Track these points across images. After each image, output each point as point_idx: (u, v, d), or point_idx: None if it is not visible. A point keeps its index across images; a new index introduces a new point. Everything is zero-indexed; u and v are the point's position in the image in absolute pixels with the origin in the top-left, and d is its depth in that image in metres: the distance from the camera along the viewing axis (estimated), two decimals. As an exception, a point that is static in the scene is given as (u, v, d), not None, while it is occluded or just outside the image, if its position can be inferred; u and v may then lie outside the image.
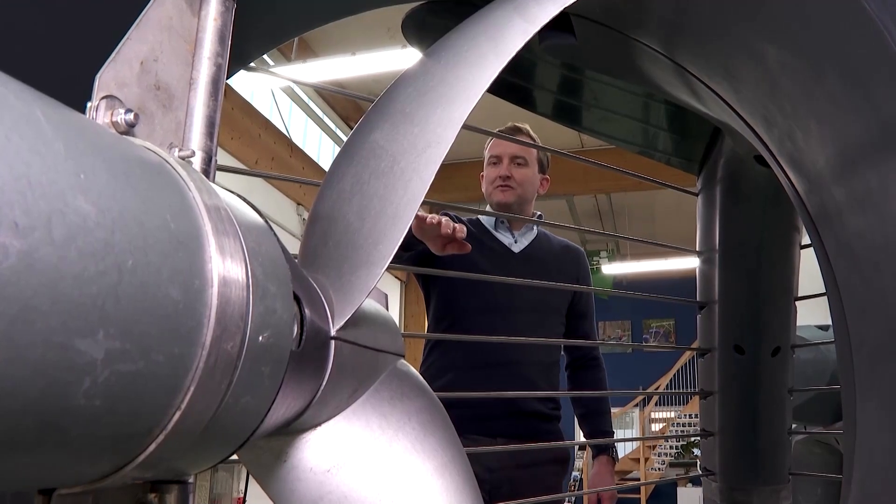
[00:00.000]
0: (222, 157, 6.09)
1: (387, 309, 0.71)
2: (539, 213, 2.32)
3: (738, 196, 1.41)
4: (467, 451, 0.57)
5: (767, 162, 0.93)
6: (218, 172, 0.58)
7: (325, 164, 7.94)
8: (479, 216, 2.29)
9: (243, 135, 6.61)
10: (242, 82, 6.69)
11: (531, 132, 2.21)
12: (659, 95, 1.31)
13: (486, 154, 2.26)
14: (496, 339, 1.91)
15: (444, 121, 0.50)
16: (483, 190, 2.28)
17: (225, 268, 0.34)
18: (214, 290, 0.33)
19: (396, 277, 9.34)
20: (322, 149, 8.68)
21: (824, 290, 0.86)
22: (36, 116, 0.27)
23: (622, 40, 0.93)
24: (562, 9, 0.53)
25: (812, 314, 1.85)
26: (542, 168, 2.28)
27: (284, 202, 7.36)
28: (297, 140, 7.99)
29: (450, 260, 2.01)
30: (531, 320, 2.09)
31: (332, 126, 8.88)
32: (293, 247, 0.56)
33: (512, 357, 2.05)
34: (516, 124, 2.21)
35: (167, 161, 0.35)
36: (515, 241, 2.22)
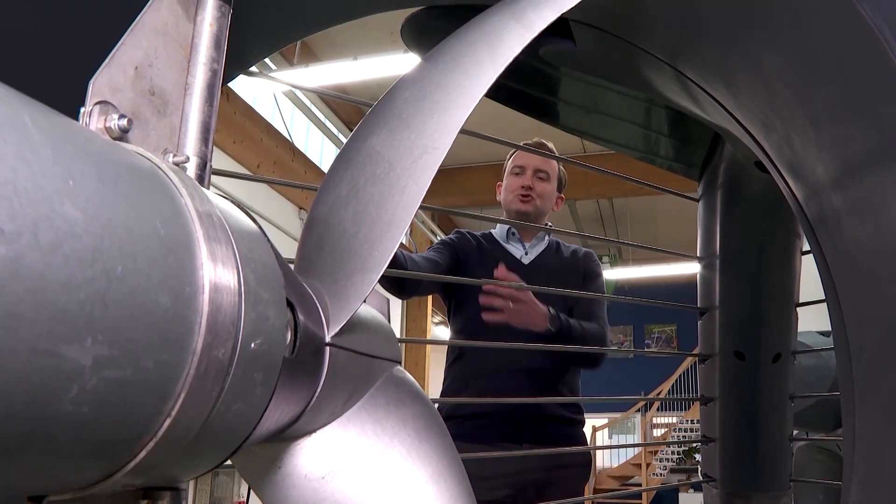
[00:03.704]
0: (224, 161, 6.07)
1: (388, 314, 0.71)
2: (548, 222, 2.33)
3: (738, 202, 1.41)
4: (466, 456, 0.57)
5: (767, 168, 0.92)
6: (221, 176, 0.58)
7: (328, 169, 7.94)
8: (492, 230, 2.31)
9: (245, 138, 6.62)
10: (245, 86, 6.71)
11: (554, 149, 2.22)
12: (659, 101, 1.31)
13: (510, 164, 2.30)
14: (507, 345, 1.93)
15: (440, 127, 0.50)
16: (501, 199, 2.31)
17: (216, 274, 0.34)
18: (205, 297, 0.33)
19: (398, 282, 9.32)
20: (324, 153, 8.69)
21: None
22: (23, 121, 0.27)
23: (621, 46, 0.93)
24: (559, 14, 0.53)
25: (814, 320, 1.84)
26: (560, 186, 2.32)
27: (286, 206, 7.36)
28: (300, 144, 8.00)
29: (462, 273, 2.07)
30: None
31: (335, 130, 8.89)
32: (294, 251, 0.56)
33: (526, 365, 2.07)
34: (541, 140, 2.24)
35: (159, 167, 0.35)
36: (526, 253, 2.25)
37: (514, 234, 2.27)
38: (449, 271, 2.12)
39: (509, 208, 2.25)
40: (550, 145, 2.23)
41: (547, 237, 2.30)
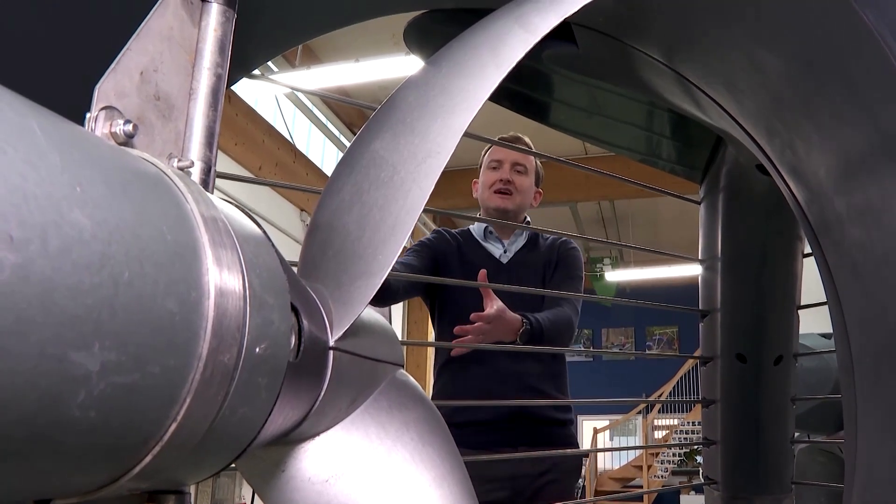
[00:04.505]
0: (226, 163, 6.09)
1: (390, 316, 0.71)
2: (526, 217, 2.30)
3: (740, 204, 1.41)
4: (468, 459, 0.57)
5: (769, 171, 0.93)
6: (222, 179, 0.58)
7: (329, 170, 7.96)
8: (470, 227, 2.28)
9: (247, 141, 6.63)
10: (246, 88, 6.71)
11: (531, 143, 2.20)
12: (661, 104, 1.31)
13: (486, 159, 2.25)
14: (495, 346, 1.93)
15: (444, 130, 0.50)
16: (477, 195, 2.27)
17: (222, 279, 0.34)
18: (211, 302, 0.33)
19: (399, 283, 9.32)
20: (326, 155, 8.69)
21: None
22: (31, 128, 0.27)
23: (623, 50, 0.93)
24: (562, 19, 0.53)
25: (815, 322, 1.84)
26: (538, 181, 2.28)
27: (288, 208, 7.37)
28: (301, 146, 8.00)
29: (442, 273, 2.06)
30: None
31: (336, 132, 8.90)
32: (296, 253, 0.56)
33: (515, 369, 2.07)
34: (517, 134, 2.21)
35: (164, 172, 0.35)
36: (504, 251, 2.22)
37: (491, 232, 2.24)
38: (427, 273, 2.09)
39: (487, 205, 2.21)
40: (526, 139, 2.20)
41: (525, 232, 2.26)
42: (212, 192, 0.44)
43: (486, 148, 2.26)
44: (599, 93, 1.36)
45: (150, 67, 0.42)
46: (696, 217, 1.54)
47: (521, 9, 0.54)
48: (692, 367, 11.82)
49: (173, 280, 0.31)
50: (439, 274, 2.12)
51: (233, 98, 6.40)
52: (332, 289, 0.49)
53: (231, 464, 0.41)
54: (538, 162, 2.28)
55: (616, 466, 12.96)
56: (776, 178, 0.91)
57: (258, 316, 0.36)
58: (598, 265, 11.48)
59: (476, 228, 2.26)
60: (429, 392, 1.97)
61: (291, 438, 0.48)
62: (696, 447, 9.63)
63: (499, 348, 1.97)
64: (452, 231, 2.26)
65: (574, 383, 2.29)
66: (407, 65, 5.65)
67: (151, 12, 0.43)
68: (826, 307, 0.87)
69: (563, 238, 2.31)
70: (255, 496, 0.57)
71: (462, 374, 2.10)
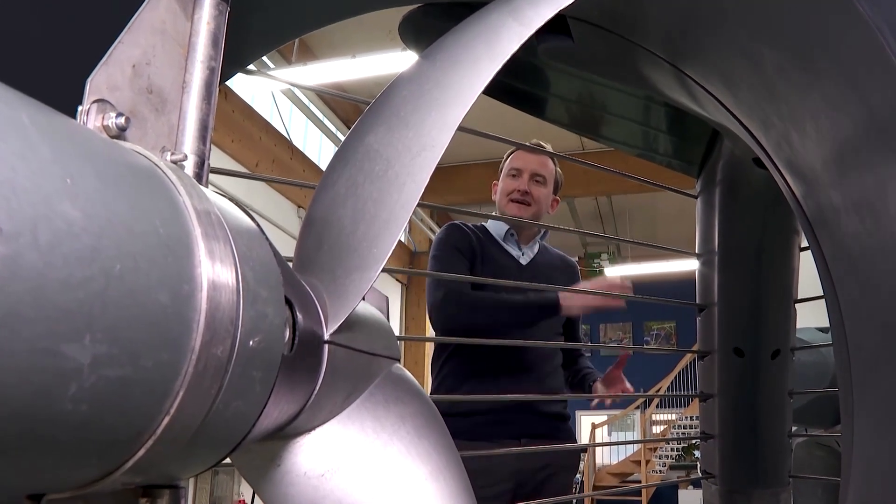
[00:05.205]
0: (222, 160, 6.06)
1: (387, 312, 0.71)
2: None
3: (737, 198, 1.41)
4: (465, 454, 0.57)
5: (765, 165, 0.93)
6: (220, 175, 0.58)
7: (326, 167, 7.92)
8: (486, 224, 2.30)
9: (244, 137, 6.62)
10: (243, 84, 6.70)
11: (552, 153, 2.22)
12: (657, 98, 1.31)
13: (506, 165, 2.29)
14: (497, 342, 1.94)
15: (438, 124, 0.50)
16: (495, 199, 2.31)
17: (214, 272, 0.34)
18: (204, 295, 0.33)
19: (397, 280, 9.35)
20: (323, 151, 8.68)
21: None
22: (21, 121, 0.27)
23: (619, 43, 0.93)
24: (557, 11, 0.53)
25: (813, 316, 1.85)
26: (556, 189, 2.33)
27: (285, 204, 7.36)
28: (298, 142, 7.99)
29: (461, 273, 2.09)
30: (540, 329, 2.11)
31: (333, 128, 8.88)
32: (293, 249, 0.56)
33: (528, 365, 2.11)
34: (540, 143, 2.23)
35: (157, 165, 0.35)
36: (523, 254, 2.26)
37: (512, 234, 2.27)
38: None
39: (503, 212, 2.26)
40: (548, 147, 2.22)
41: (538, 240, 2.31)
42: (205, 186, 0.44)
43: (508, 153, 2.31)
44: (595, 87, 1.36)
45: (143, 60, 0.42)
46: (694, 213, 1.54)
47: (516, 2, 0.54)
48: (690, 362, 11.83)
49: (165, 273, 0.31)
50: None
51: (229, 95, 6.39)
52: (328, 282, 0.49)
53: (226, 458, 0.41)
54: (558, 170, 2.31)
55: (614, 462, 12.97)
56: (772, 172, 0.91)
57: (252, 309, 0.36)
58: (595, 261, 11.50)
59: (494, 228, 2.28)
60: (426, 387, 1.98)
61: (287, 433, 0.48)
62: (693, 442, 9.64)
63: (501, 343, 1.99)
64: (469, 224, 2.28)
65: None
66: (403, 61, 5.64)
67: (143, 5, 0.42)
68: (823, 301, 0.87)
69: (572, 260, 2.40)
70: (255, 495, 0.57)
71: (472, 364, 2.12)
